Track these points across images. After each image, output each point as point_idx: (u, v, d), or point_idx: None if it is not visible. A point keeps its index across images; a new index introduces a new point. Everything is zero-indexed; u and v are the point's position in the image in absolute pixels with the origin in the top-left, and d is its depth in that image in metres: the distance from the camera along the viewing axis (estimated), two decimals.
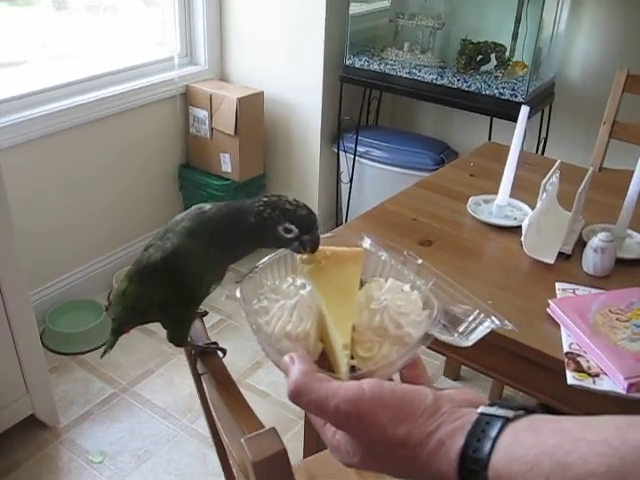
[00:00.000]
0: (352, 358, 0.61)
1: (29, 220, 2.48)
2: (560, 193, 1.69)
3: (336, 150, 3.04)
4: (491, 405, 0.52)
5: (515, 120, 2.51)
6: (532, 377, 1.29)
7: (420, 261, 0.69)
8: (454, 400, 0.53)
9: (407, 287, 0.66)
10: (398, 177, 2.83)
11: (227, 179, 2.97)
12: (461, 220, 1.70)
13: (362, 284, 0.67)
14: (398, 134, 3.06)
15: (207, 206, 0.81)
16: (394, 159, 2.87)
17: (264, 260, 0.69)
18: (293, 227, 0.72)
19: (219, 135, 2.91)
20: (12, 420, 2.05)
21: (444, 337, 0.63)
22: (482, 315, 0.64)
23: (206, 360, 0.89)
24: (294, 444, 1.92)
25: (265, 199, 0.74)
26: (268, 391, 2.40)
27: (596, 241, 1.47)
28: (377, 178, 2.95)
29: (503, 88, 2.55)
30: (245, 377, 2.47)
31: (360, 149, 2.95)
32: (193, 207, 0.82)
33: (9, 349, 1.94)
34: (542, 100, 2.65)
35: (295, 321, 0.61)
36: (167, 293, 0.82)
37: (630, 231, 1.61)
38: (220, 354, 0.91)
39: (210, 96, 2.87)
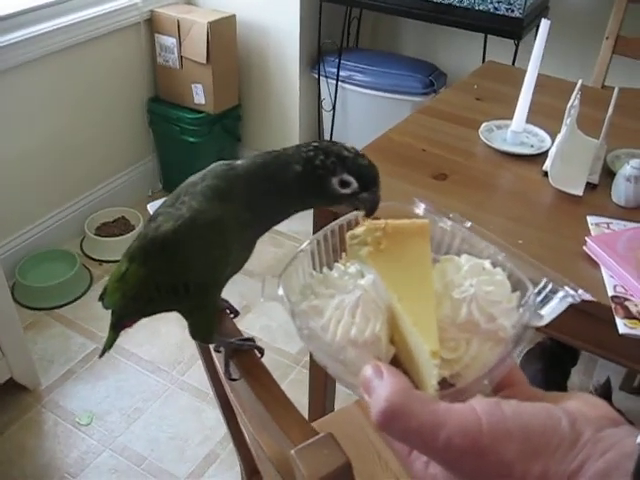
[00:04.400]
0: None
1: None
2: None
3: (316, 76, 2.83)
4: None
5: (512, 37, 2.36)
6: (576, 325, 1.16)
7: (469, 224, 0.53)
8: (590, 421, 0.39)
9: (488, 264, 0.50)
10: (385, 102, 2.65)
11: (201, 111, 2.75)
12: (474, 149, 1.54)
13: None
14: (382, 56, 2.85)
15: (236, 162, 0.64)
16: (380, 83, 2.68)
17: (304, 246, 0.52)
18: (352, 180, 0.55)
19: (189, 64, 2.69)
20: None
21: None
22: (551, 285, 0.49)
23: (239, 360, 0.72)
24: (292, 392, 1.80)
25: (315, 144, 0.57)
26: (260, 336, 2.27)
27: (628, 169, 1.34)
28: (362, 104, 2.77)
29: (498, 2, 2.36)
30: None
31: (342, 74, 2.75)
32: (215, 164, 0.65)
33: None
34: (538, 15, 2.47)
35: (360, 323, 0.46)
36: (179, 276, 0.65)
37: None
38: (257, 354, 0.75)
39: (177, 21, 2.63)
